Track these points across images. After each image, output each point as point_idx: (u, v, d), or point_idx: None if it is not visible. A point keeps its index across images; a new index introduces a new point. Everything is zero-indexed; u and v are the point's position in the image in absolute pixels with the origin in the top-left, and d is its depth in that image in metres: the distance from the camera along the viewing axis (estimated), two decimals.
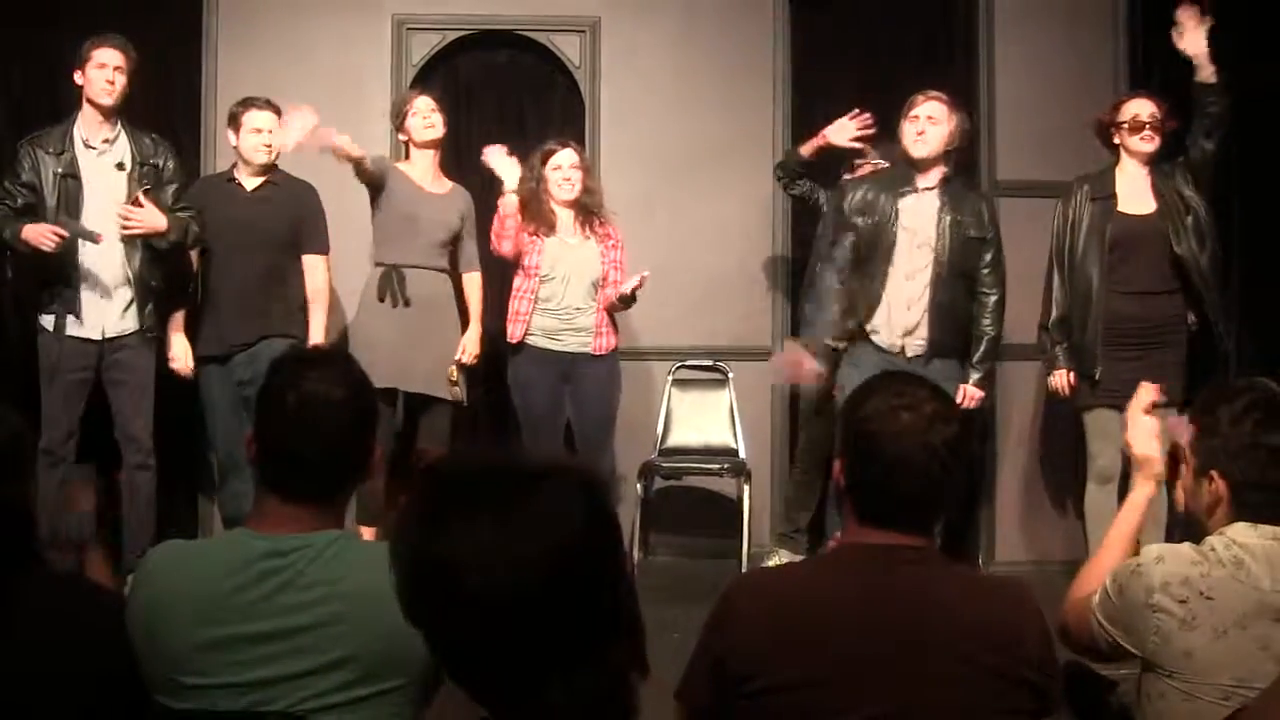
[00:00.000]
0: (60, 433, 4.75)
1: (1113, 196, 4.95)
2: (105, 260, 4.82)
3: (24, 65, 5.70)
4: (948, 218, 4.90)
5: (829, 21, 6.06)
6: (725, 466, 5.62)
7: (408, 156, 5.33)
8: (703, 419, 5.80)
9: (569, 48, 5.95)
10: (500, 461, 1.35)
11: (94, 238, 4.71)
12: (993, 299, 4.98)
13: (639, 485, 5.54)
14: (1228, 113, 4.84)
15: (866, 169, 5.31)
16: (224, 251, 5.09)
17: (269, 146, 5.07)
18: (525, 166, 5.23)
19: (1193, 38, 4.79)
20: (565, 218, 5.23)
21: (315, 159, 5.30)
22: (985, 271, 4.97)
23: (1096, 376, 4.90)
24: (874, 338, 4.91)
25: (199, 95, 5.78)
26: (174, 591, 1.98)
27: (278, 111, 5.08)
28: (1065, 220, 5.02)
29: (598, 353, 5.21)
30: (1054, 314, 5.01)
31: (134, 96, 5.01)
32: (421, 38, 5.91)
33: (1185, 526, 2.46)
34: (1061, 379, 4.99)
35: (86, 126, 4.87)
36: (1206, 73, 4.79)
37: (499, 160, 5.13)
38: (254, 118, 5.07)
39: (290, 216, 5.13)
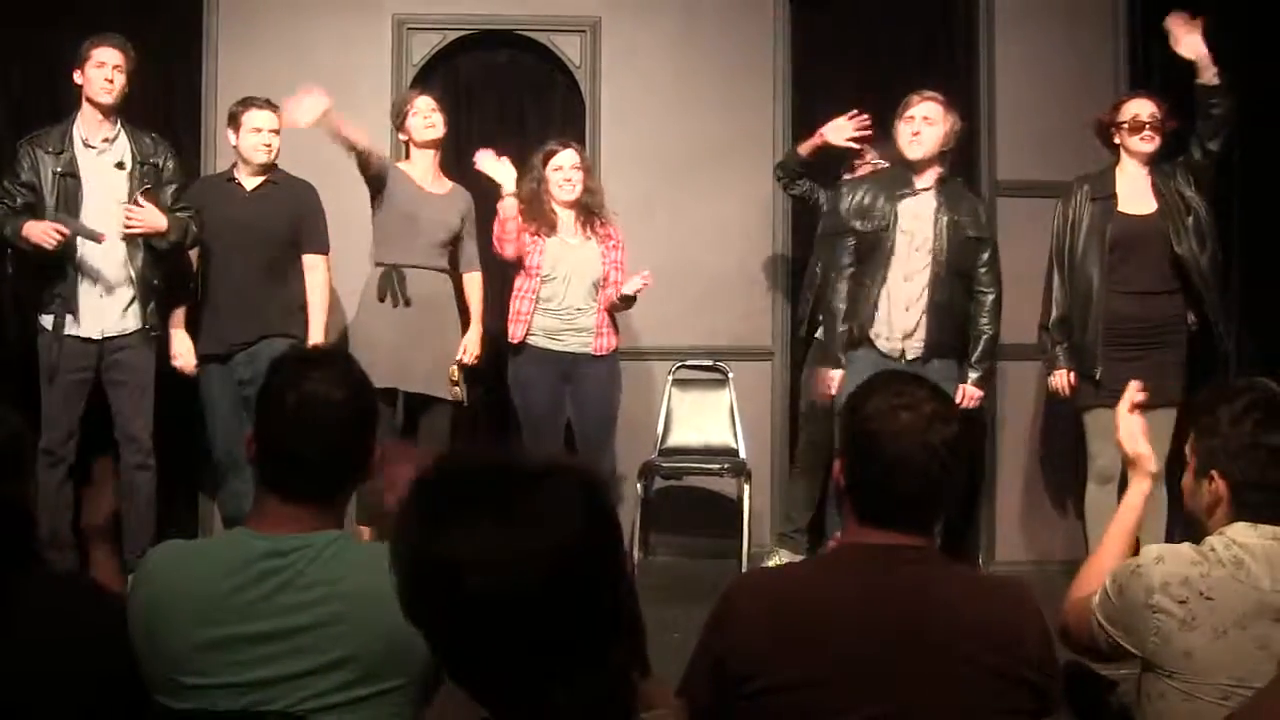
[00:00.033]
0: (60, 433, 4.75)
1: (1113, 196, 4.95)
2: (106, 259, 4.82)
3: (24, 65, 5.70)
4: (945, 218, 4.89)
5: (829, 21, 6.06)
6: (725, 466, 5.62)
7: (408, 156, 5.33)
8: (703, 419, 5.80)
9: (569, 48, 5.95)
10: (500, 461, 1.35)
11: (96, 237, 4.72)
12: (990, 298, 4.98)
13: (639, 485, 5.54)
14: (1231, 114, 4.84)
15: (866, 169, 5.31)
16: (224, 251, 5.09)
17: (269, 146, 5.08)
18: (526, 167, 5.23)
19: (1189, 42, 4.79)
20: (566, 218, 5.24)
21: (315, 159, 5.32)
22: (982, 271, 4.97)
23: (1097, 376, 4.89)
24: (876, 343, 4.90)
25: (199, 95, 5.78)
26: (174, 591, 1.98)
27: (278, 111, 5.09)
28: (1065, 220, 5.01)
29: (598, 353, 5.21)
30: (1054, 314, 5.01)
31: (134, 96, 5.01)
32: (421, 38, 5.91)
33: (1185, 526, 2.46)
34: (1062, 379, 4.99)
35: (86, 126, 4.87)
36: (1209, 74, 4.78)
37: (491, 164, 5.14)
38: (254, 117, 5.07)
39: (290, 216, 5.13)
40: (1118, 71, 5.86)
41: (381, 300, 5.10)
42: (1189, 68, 4.83)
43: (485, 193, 5.33)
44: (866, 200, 4.92)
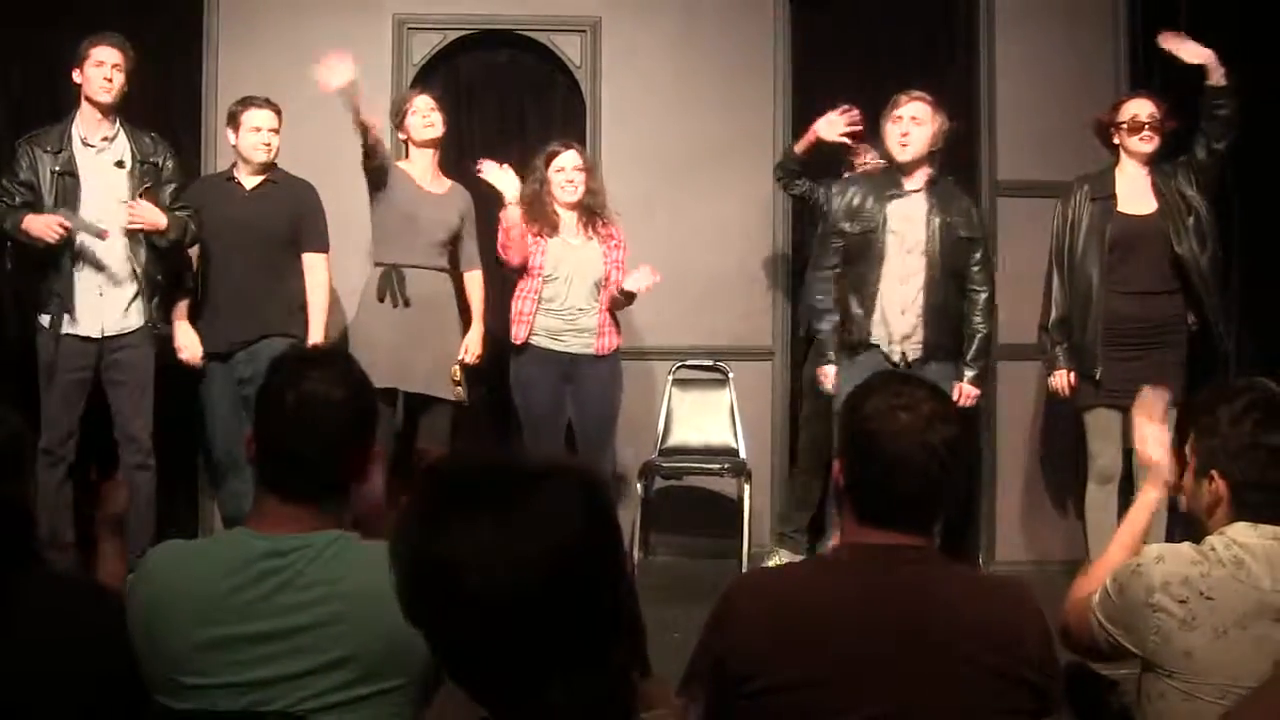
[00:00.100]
0: (59, 432, 4.74)
1: (1112, 196, 4.95)
2: (107, 257, 4.82)
3: (24, 65, 5.70)
4: (937, 219, 4.86)
5: (829, 21, 6.06)
6: (725, 466, 5.62)
7: (407, 156, 5.33)
8: (703, 419, 5.80)
9: (569, 48, 5.95)
10: (500, 461, 1.35)
11: (100, 233, 4.72)
12: (983, 297, 4.96)
13: (639, 485, 5.54)
14: (1237, 115, 4.83)
15: (866, 167, 5.30)
16: (223, 250, 5.09)
17: (268, 145, 5.08)
18: (528, 168, 5.23)
19: (1189, 50, 4.79)
20: (568, 219, 5.23)
21: (315, 159, 5.32)
22: (975, 270, 4.95)
23: (1097, 376, 4.90)
24: (875, 346, 4.88)
25: (199, 95, 5.78)
26: (173, 591, 1.98)
27: (277, 111, 5.09)
28: (1065, 220, 5.01)
29: (600, 352, 5.21)
30: (1054, 314, 5.00)
31: (133, 96, 5.00)
32: (422, 38, 5.91)
33: (1185, 527, 2.46)
34: (1062, 379, 4.99)
35: (85, 125, 4.87)
36: (1217, 76, 4.79)
37: (495, 174, 5.12)
38: (253, 116, 5.07)
39: (289, 215, 5.13)
40: (1118, 71, 5.86)
41: (381, 300, 5.10)
42: (1192, 70, 4.83)
43: (485, 192, 5.33)
44: (856, 201, 4.90)
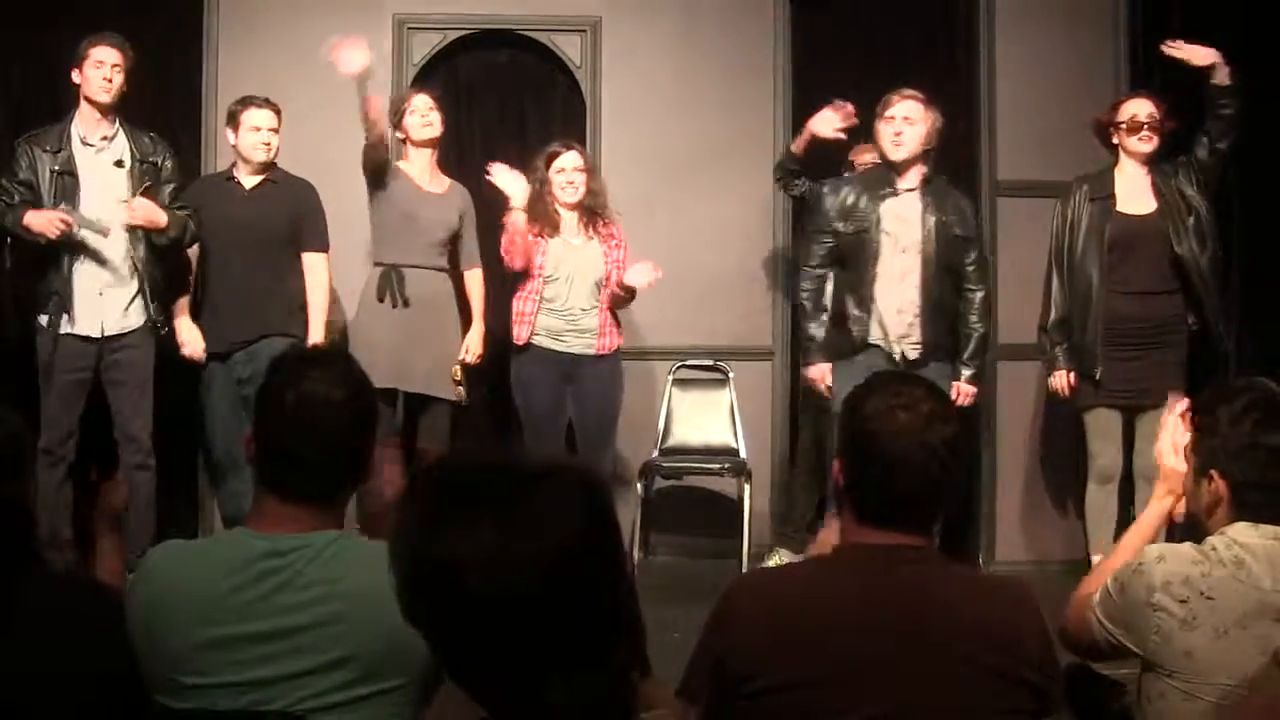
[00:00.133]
0: (59, 432, 4.74)
1: (1111, 196, 4.95)
2: (107, 257, 4.81)
3: (24, 65, 5.70)
4: (933, 219, 4.84)
5: (829, 21, 6.06)
6: (725, 466, 5.62)
7: (405, 155, 5.33)
8: (703, 419, 5.80)
9: (570, 47, 5.95)
10: (500, 461, 1.34)
11: (103, 230, 4.72)
12: (979, 295, 4.95)
13: (639, 485, 5.54)
14: (1240, 115, 4.83)
15: (868, 166, 5.29)
16: (223, 250, 5.09)
17: (267, 145, 5.07)
18: (529, 168, 5.22)
19: (1197, 53, 4.79)
20: (569, 219, 5.23)
21: (315, 159, 5.32)
22: (970, 268, 4.93)
23: (1097, 376, 4.90)
24: (873, 346, 4.86)
25: (199, 95, 5.78)
26: (173, 591, 1.98)
27: (277, 110, 5.09)
28: (1064, 221, 5.01)
29: (602, 352, 5.20)
30: (1053, 315, 5.01)
31: (133, 95, 5.00)
32: (422, 37, 5.91)
33: (1186, 527, 2.46)
34: (1062, 380, 4.99)
35: (84, 124, 4.87)
36: (1223, 75, 4.79)
37: (505, 178, 5.10)
38: (252, 116, 5.07)
39: (289, 214, 5.12)
40: (1118, 71, 5.86)
41: (381, 300, 5.10)
42: (1192, 69, 4.83)
43: (486, 192, 5.33)
44: (849, 201, 4.87)
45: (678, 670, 2.09)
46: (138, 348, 4.88)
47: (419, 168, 5.24)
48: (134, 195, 4.83)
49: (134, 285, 4.86)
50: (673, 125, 5.91)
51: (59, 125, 4.87)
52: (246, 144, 5.08)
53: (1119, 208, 4.94)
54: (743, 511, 5.43)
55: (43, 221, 4.66)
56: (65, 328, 4.77)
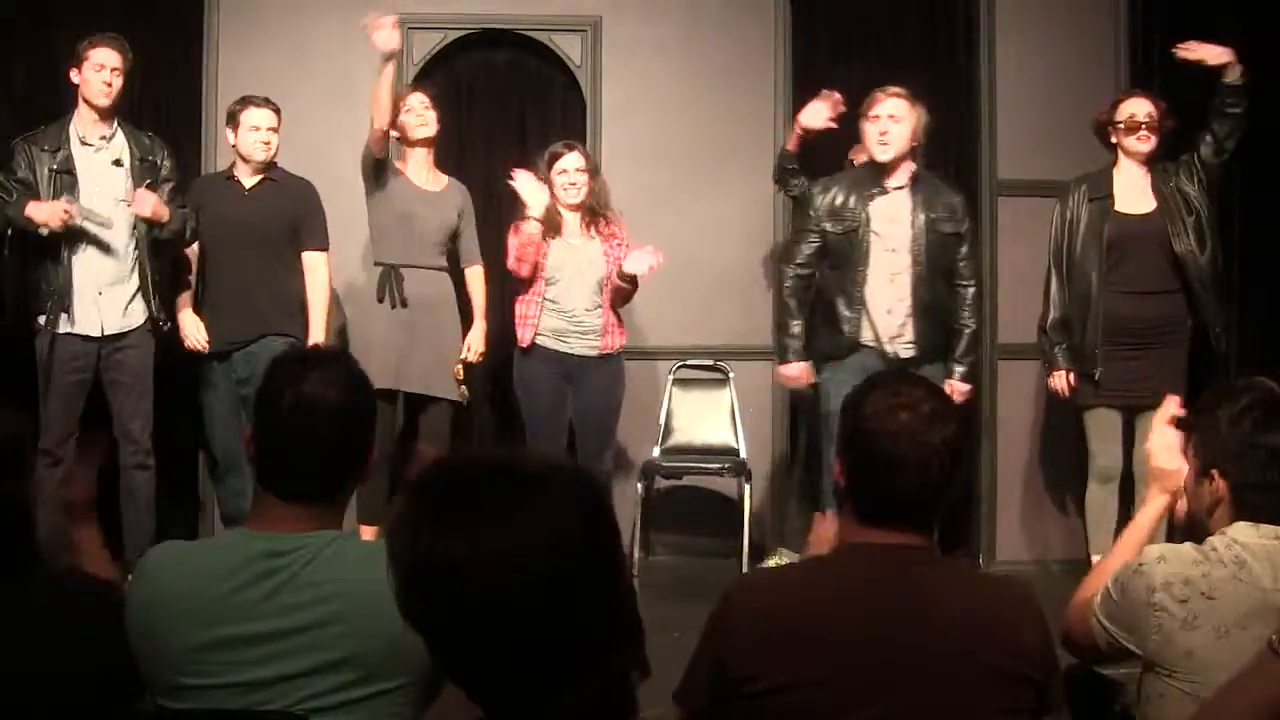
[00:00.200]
0: (59, 433, 4.74)
1: (1110, 196, 4.95)
2: (107, 256, 4.82)
3: (25, 65, 5.70)
4: (922, 216, 4.82)
5: (829, 21, 6.05)
6: (726, 466, 5.62)
7: (402, 155, 5.32)
8: (703, 418, 5.80)
9: (570, 47, 5.94)
10: (499, 462, 1.34)
11: (106, 222, 4.72)
12: (971, 291, 4.93)
13: (639, 485, 5.54)
14: (1247, 114, 4.83)
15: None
16: (222, 249, 5.10)
17: (267, 144, 5.08)
18: (530, 168, 5.21)
19: (1210, 52, 4.78)
20: (571, 220, 5.22)
21: (315, 158, 5.32)
22: (961, 264, 4.92)
23: (1096, 376, 4.89)
24: (865, 346, 4.85)
25: (199, 95, 5.78)
26: (173, 592, 1.98)
27: (277, 110, 5.09)
28: (1063, 221, 5.01)
29: (605, 351, 5.20)
30: (1052, 315, 5.00)
31: (133, 95, 5.01)
32: (422, 37, 5.91)
33: (1186, 527, 2.46)
34: (1061, 380, 4.99)
35: (83, 124, 4.87)
36: (1235, 74, 4.79)
37: (528, 186, 5.06)
38: (252, 115, 5.07)
39: (289, 213, 5.13)
40: (1118, 71, 5.86)
41: (380, 300, 5.10)
42: (1193, 69, 4.83)
43: (482, 189, 5.34)
44: (838, 201, 4.85)
45: (678, 670, 2.09)
46: (137, 348, 4.89)
47: (416, 167, 5.24)
48: (134, 192, 4.83)
49: (134, 284, 4.87)
50: (673, 125, 5.91)
51: (57, 125, 4.87)
52: (246, 144, 5.08)
53: (1118, 207, 4.94)
54: (743, 511, 5.43)
55: (46, 212, 4.66)
56: (65, 327, 4.77)
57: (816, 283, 4.96)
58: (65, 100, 5.07)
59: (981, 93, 5.89)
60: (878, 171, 4.85)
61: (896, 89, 4.83)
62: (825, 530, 4.80)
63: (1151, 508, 2.54)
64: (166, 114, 5.70)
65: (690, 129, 5.91)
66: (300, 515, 2.01)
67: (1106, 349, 4.89)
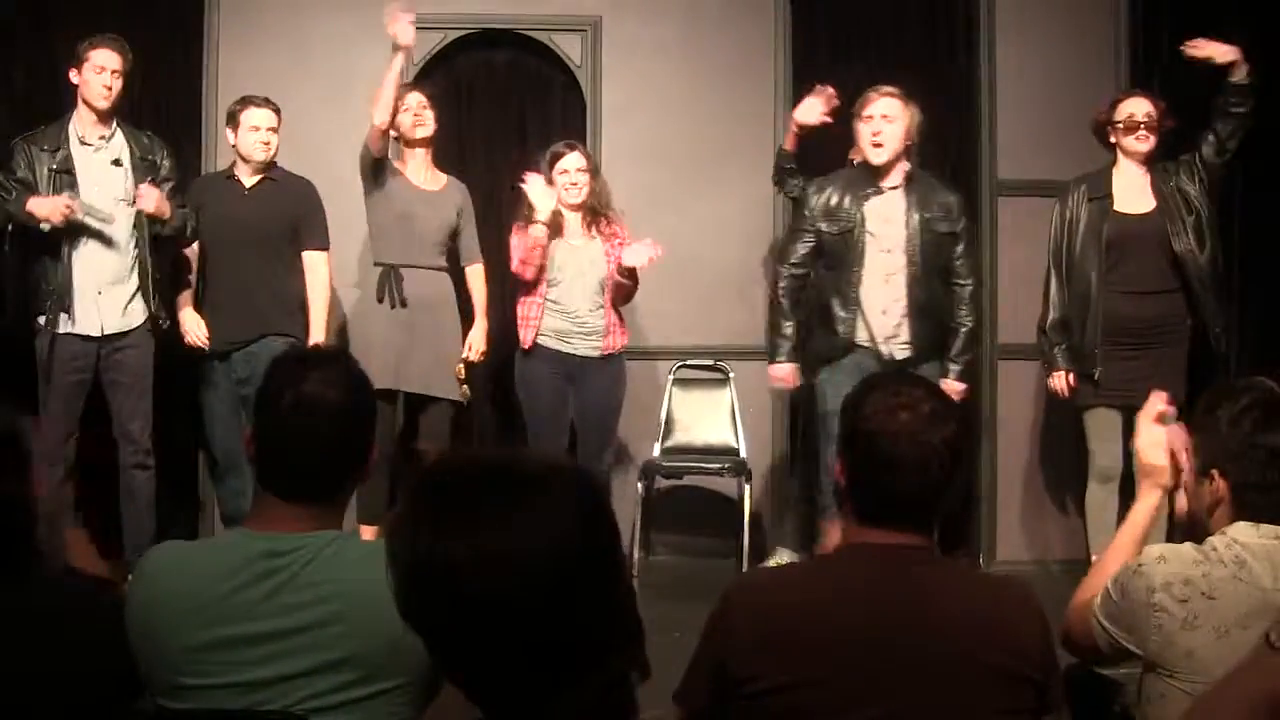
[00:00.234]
0: (59, 432, 4.74)
1: (1109, 196, 4.94)
2: (106, 256, 4.82)
3: (25, 65, 5.70)
4: (916, 216, 4.81)
5: (829, 21, 6.05)
6: (726, 466, 5.62)
7: (400, 155, 5.31)
8: (704, 418, 5.80)
9: (570, 47, 5.94)
10: (498, 462, 1.34)
11: (107, 218, 4.73)
12: (967, 290, 4.92)
13: (640, 485, 5.54)
14: (1251, 114, 4.83)
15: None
16: (223, 248, 5.10)
17: (267, 144, 5.08)
18: (530, 168, 5.21)
19: (1219, 50, 4.78)
20: (573, 220, 5.22)
21: (315, 158, 5.32)
22: (958, 263, 4.90)
23: (1096, 376, 4.89)
24: (860, 347, 4.85)
25: (199, 95, 5.78)
26: (172, 592, 1.98)
27: (276, 110, 5.09)
28: (1062, 221, 5.01)
29: (607, 351, 5.20)
30: (1051, 316, 5.00)
31: (134, 96, 5.01)
32: (422, 37, 5.85)
33: (1187, 528, 2.46)
34: (1060, 381, 4.98)
35: (82, 124, 4.87)
36: (1242, 73, 4.78)
37: (537, 190, 5.06)
38: (252, 115, 5.07)
39: (289, 213, 5.13)
40: (1118, 71, 5.86)
41: (380, 301, 5.10)
42: (1193, 69, 4.82)
43: (483, 189, 5.33)
44: (833, 201, 4.84)
45: (678, 670, 2.09)
46: (137, 348, 4.89)
47: (414, 167, 5.24)
48: (128, 195, 4.83)
49: (133, 284, 4.87)
50: (673, 125, 5.91)
51: (57, 125, 4.88)
52: (246, 143, 5.08)
53: (1116, 207, 4.94)
54: (743, 511, 5.43)
55: (48, 206, 4.66)
56: (64, 327, 4.77)
57: (812, 283, 4.96)
58: (65, 100, 5.07)
59: (981, 93, 5.90)
60: (872, 171, 4.84)
61: (889, 88, 4.82)
62: (836, 536, 4.79)
63: (1145, 504, 2.55)
64: (166, 114, 5.70)
65: (690, 129, 5.91)
66: (300, 515, 2.01)
67: (1106, 349, 4.88)
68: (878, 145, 4.77)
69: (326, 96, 5.64)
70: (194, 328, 5.09)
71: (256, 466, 2.08)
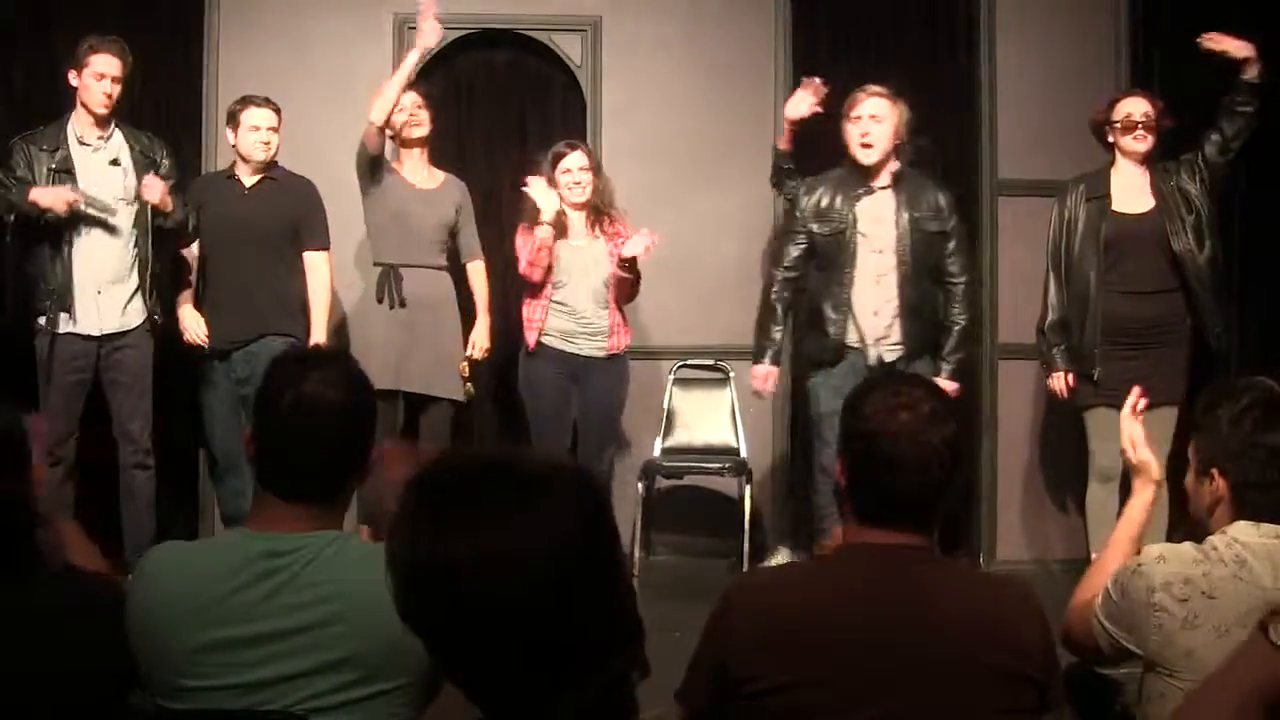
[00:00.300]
0: (59, 433, 4.74)
1: (1107, 196, 4.94)
2: (106, 256, 4.82)
3: (25, 65, 5.70)
4: (906, 215, 4.82)
5: (829, 21, 6.05)
6: (726, 466, 5.62)
7: (397, 155, 5.31)
8: (704, 418, 5.80)
9: (570, 47, 5.94)
10: (499, 462, 1.34)
11: (110, 209, 4.73)
12: (961, 287, 4.92)
13: (640, 484, 5.54)
14: (1257, 114, 4.82)
15: None
16: (223, 248, 5.10)
17: (267, 144, 5.08)
18: (530, 167, 5.21)
19: (1234, 45, 4.77)
20: (576, 220, 5.22)
21: (315, 158, 5.32)
22: (949, 261, 4.91)
23: (1095, 376, 4.89)
24: (851, 349, 4.85)
25: (199, 95, 5.78)
26: (172, 593, 1.98)
27: (277, 110, 5.09)
28: (1061, 221, 5.00)
29: (612, 351, 5.20)
30: (1050, 316, 4.99)
31: (134, 96, 5.01)
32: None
33: (1187, 528, 2.46)
34: (1060, 381, 4.98)
35: (81, 125, 4.87)
36: (1254, 71, 4.78)
37: (540, 191, 5.06)
38: (252, 115, 5.07)
39: (290, 212, 5.13)
40: (1118, 71, 5.86)
41: (380, 301, 5.10)
42: (1194, 70, 4.82)
43: (483, 189, 5.33)
44: (825, 202, 4.84)
45: (678, 670, 2.09)
46: (136, 347, 4.89)
47: (410, 166, 5.24)
48: (131, 193, 4.83)
49: (133, 283, 4.87)
50: (673, 125, 5.91)
51: (56, 125, 4.88)
52: (246, 143, 5.08)
53: (1115, 207, 4.93)
54: (743, 511, 5.43)
55: (51, 196, 4.66)
56: (64, 327, 4.77)
57: (804, 284, 4.96)
58: (64, 100, 5.07)
59: (981, 93, 5.89)
60: (863, 171, 4.85)
61: (877, 88, 4.81)
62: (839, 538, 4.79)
63: (1139, 500, 2.56)
64: (166, 114, 5.69)
65: (691, 128, 5.90)
66: (300, 515, 2.01)
67: (1105, 349, 4.88)
68: (866, 146, 4.78)
69: (326, 96, 5.64)
70: (193, 325, 5.09)
71: (256, 466, 2.08)
